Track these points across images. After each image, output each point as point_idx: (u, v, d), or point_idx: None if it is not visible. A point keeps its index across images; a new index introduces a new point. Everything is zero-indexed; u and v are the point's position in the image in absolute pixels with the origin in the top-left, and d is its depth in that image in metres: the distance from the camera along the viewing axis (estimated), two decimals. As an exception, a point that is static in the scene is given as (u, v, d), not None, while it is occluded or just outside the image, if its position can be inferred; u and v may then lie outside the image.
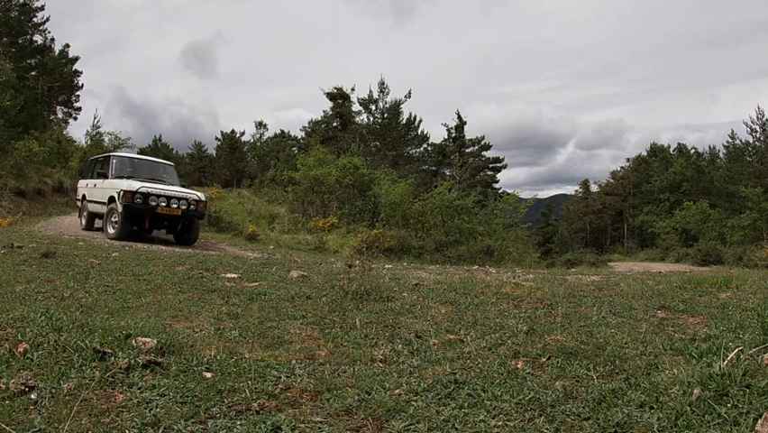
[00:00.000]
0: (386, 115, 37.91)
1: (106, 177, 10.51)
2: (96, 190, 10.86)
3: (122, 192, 9.58)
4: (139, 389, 1.92)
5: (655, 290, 4.43)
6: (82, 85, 33.27)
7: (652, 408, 1.82)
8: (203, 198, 10.48)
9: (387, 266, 6.53)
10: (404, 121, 38.92)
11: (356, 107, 38.33)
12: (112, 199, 9.85)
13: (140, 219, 9.88)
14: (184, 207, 9.92)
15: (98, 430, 1.61)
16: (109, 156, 11.53)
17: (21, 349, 2.18)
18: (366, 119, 38.66)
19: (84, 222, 11.47)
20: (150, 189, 9.79)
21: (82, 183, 11.97)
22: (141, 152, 50.91)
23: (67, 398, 1.80)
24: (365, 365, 2.34)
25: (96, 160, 12.05)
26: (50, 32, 29.63)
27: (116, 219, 9.70)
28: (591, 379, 2.16)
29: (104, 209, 10.20)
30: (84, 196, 11.61)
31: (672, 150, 47.72)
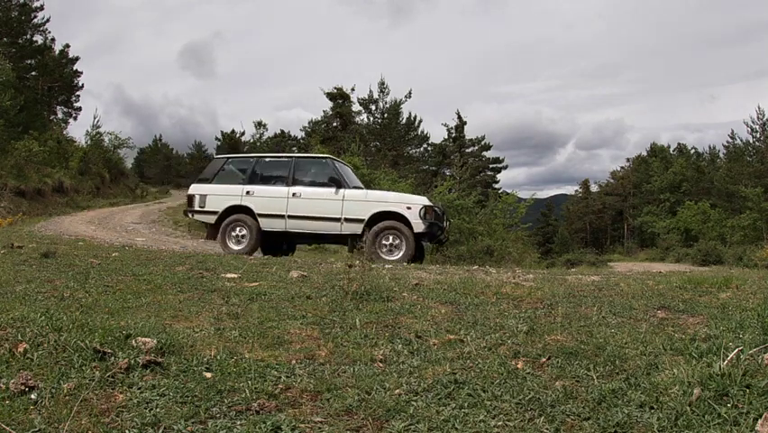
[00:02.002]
0: (386, 115, 37.91)
1: (328, 186, 8.09)
2: (327, 204, 8.00)
3: (423, 209, 7.71)
4: (139, 389, 1.92)
5: (655, 290, 4.42)
6: (82, 85, 33.28)
7: (652, 408, 1.82)
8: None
9: (387, 266, 6.53)
10: (404, 121, 38.92)
11: (356, 107, 38.37)
12: (384, 216, 7.81)
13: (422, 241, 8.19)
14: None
15: (98, 430, 1.61)
16: (328, 158, 8.77)
17: (21, 349, 2.18)
18: (366, 119, 38.69)
19: (245, 244, 8.08)
20: (439, 205, 8.27)
21: (229, 190, 8.40)
22: (142, 151, 51.12)
23: (67, 398, 1.80)
24: (365, 365, 2.34)
25: (281, 160, 8.96)
26: (50, 32, 29.67)
27: (391, 242, 7.66)
28: (591, 379, 2.16)
29: (350, 229, 7.82)
30: (236, 208, 8.25)
31: (671, 150, 47.77)
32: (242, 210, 8.20)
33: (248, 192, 8.25)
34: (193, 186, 8.68)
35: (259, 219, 8.11)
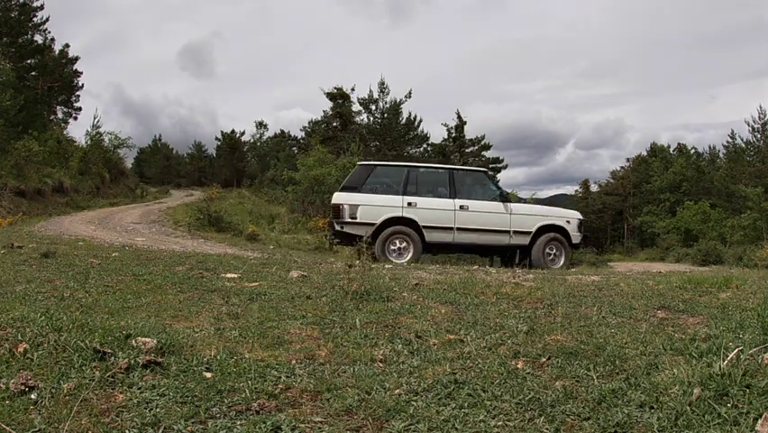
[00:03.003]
0: (386, 115, 37.92)
1: (495, 199, 8.39)
2: (491, 217, 8.26)
3: (579, 222, 8.64)
4: (139, 389, 1.92)
5: (655, 289, 4.42)
6: (82, 85, 33.28)
7: (652, 408, 1.82)
8: None
9: (387, 266, 6.53)
10: (404, 121, 38.92)
11: (356, 107, 38.37)
12: (548, 228, 8.34)
13: None
14: None
15: (98, 430, 1.61)
16: (485, 171, 9.22)
17: (21, 349, 2.18)
18: (366, 119, 38.69)
19: (410, 257, 7.94)
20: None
21: (387, 200, 8.13)
22: (142, 151, 51.11)
23: (67, 398, 1.80)
24: (365, 365, 2.34)
25: (437, 171, 8.98)
26: (49, 32, 29.64)
27: (555, 252, 8.32)
28: (591, 379, 2.16)
29: (518, 240, 8.27)
30: (396, 219, 8.03)
31: (671, 150, 47.74)
32: (403, 222, 8.01)
33: (410, 203, 8.04)
34: (339, 195, 8.04)
35: (424, 231, 8.00)
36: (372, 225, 7.84)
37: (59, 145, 23.94)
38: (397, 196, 8.11)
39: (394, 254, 7.93)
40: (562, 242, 8.37)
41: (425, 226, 8.01)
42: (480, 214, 8.21)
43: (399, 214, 7.98)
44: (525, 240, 8.27)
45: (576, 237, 8.49)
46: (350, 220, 7.93)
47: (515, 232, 8.26)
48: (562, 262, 8.29)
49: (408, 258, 7.83)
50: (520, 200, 24.57)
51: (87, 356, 2.14)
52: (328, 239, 8.75)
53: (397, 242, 7.98)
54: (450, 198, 8.22)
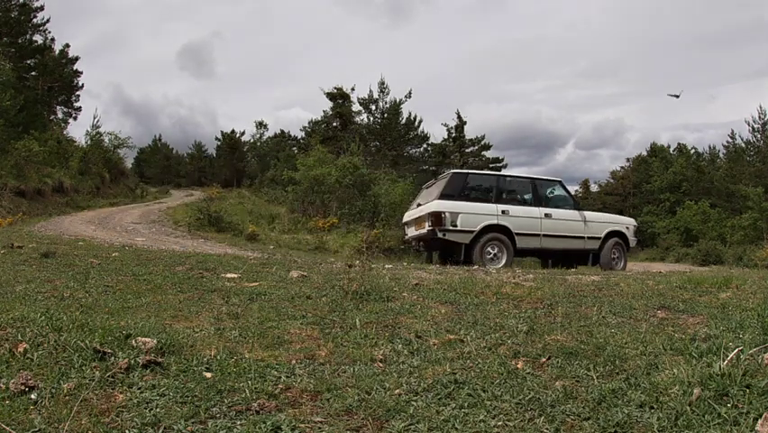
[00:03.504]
0: (386, 115, 37.89)
1: (571, 207, 9.12)
2: (570, 224, 8.92)
3: (635, 228, 9.77)
4: (139, 389, 1.92)
5: (655, 289, 4.43)
6: (82, 85, 33.23)
7: (652, 408, 1.82)
8: None
9: (387, 266, 6.53)
10: (404, 121, 38.89)
11: (356, 107, 38.35)
12: (613, 234, 9.25)
13: None
14: None
15: (98, 430, 1.61)
16: (560, 181, 9.77)
17: (21, 349, 2.18)
18: (366, 119, 38.67)
19: (504, 262, 8.22)
20: None
21: (483, 209, 8.41)
22: (142, 151, 51.10)
23: (67, 398, 1.80)
24: (365, 365, 2.34)
25: (521, 180, 9.39)
26: (50, 32, 29.63)
27: (618, 255, 9.31)
28: (591, 379, 2.16)
29: (591, 245, 9.02)
30: (492, 227, 8.31)
31: (671, 150, 47.71)
32: (497, 229, 8.32)
33: (503, 211, 8.41)
34: (438, 202, 8.18)
35: (516, 238, 8.39)
36: (471, 232, 8.13)
37: (59, 145, 23.92)
38: (491, 204, 8.47)
39: (489, 260, 8.18)
40: (622, 246, 9.31)
41: (516, 233, 8.41)
42: (562, 221, 8.82)
43: (495, 222, 8.31)
44: (596, 245, 9.05)
45: (633, 241, 9.51)
46: (451, 228, 8.09)
47: (588, 237, 8.99)
48: (623, 264, 9.23)
49: (502, 263, 8.14)
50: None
51: (87, 356, 2.14)
52: (415, 247, 9.05)
53: (492, 248, 8.30)
54: (534, 206, 8.77)
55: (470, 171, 9.52)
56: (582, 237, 8.97)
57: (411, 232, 9.08)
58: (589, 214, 9.33)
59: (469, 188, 8.68)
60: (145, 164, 51.95)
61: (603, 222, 9.41)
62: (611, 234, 9.21)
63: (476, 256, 8.03)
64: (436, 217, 8.07)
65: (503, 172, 10.07)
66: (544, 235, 8.66)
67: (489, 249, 8.23)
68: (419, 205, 8.95)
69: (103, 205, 22.45)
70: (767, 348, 2.22)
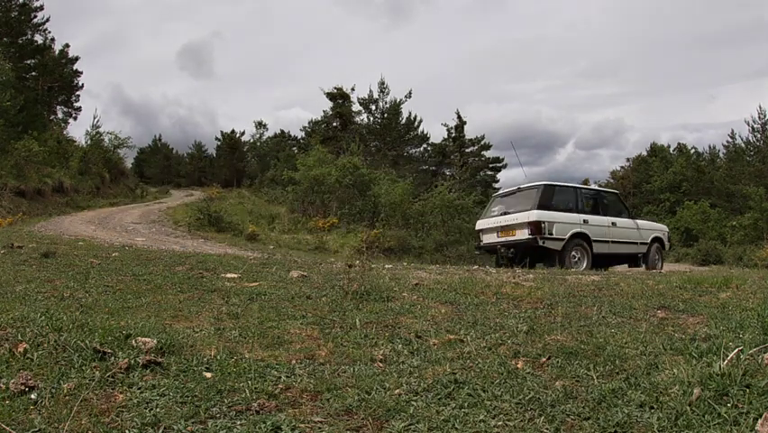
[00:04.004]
0: (386, 115, 37.89)
1: (628, 216, 10.31)
2: (628, 231, 10.04)
3: (668, 233, 11.24)
4: (139, 389, 1.92)
5: (655, 289, 4.43)
6: (82, 85, 33.22)
7: (652, 408, 1.82)
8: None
9: (387, 266, 6.53)
10: (404, 121, 38.89)
11: (356, 107, 38.35)
12: (655, 239, 10.47)
13: None
14: None
15: (98, 430, 1.61)
16: (618, 193, 11.67)
17: (21, 349, 2.18)
18: (366, 119, 38.66)
19: (585, 266, 9.10)
20: None
21: (571, 218, 9.24)
22: (142, 151, 51.08)
23: (67, 398, 1.80)
24: (365, 365, 2.34)
25: (590, 191, 10.82)
26: (49, 32, 29.61)
27: (658, 257, 10.51)
28: (591, 379, 2.16)
29: (641, 250, 10.13)
30: (577, 234, 9.16)
31: (671, 150, 47.71)
32: (580, 236, 9.20)
33: (585, 221, 9.35)
34: (539, 212, 8.92)
35: (594, 244, 9.33)
36: (563, 239, 8.96)
37: (59, 145, 23.92)
38: (575, 214, 9.36)
39: (574, 264, 8.96)
40: (660, 249, 10.59)
41: (593, 240, 9.32)
42: (623, 229, 9.91)
43: (579, 230, 9.20)
44: (645, 249, 10.18)
45: (667, 245, 11.00)
46: (548, 236, 8.90)
47: (640, 243, 10.14)
48: (661, 265, 10.45)
49: (583, 267, 8.98)
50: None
51: (87, 356, 2.14)
52: (503, 253, 9.43)
53: (576, 253, 9.11)
54: (603, 215, 9.78)
55: (555, 184, 10.11)
56: (636, 243, 10.07)
57: (492, 238, 9.70)
58: (639, 222, 10.52)
59: (556, 199, 9.44)
60: (145, 164, 51.92)
61: (649, 229, 10.59)
62: (654, 239, 10.43)
63: (567, 261, 8.80)
64: (536, 226, 8.80)
65: (577, 185, 11.07)
66: (612, 242, 9.61)
67: (573, 254, 9.06)
68: (505, 213, 9.59)
69: (103, 205, 22.45)
70: (767, 348, 2.22)
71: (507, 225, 9.33)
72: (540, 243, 8.78)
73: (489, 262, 10.87)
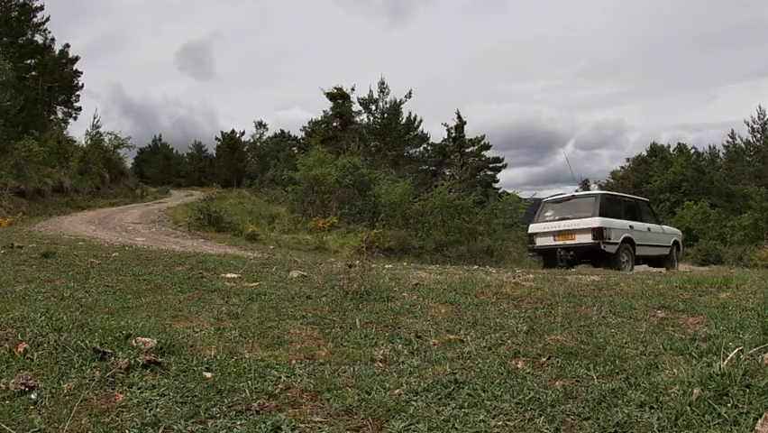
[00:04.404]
0: (386, 115, 37.87)
1: (657, 222, 11.57)
2: (658, 235, 11.26)
3: (682, 237, 12.54)
4: (139, 389, 1.92)
5: (655, 289, 4.42)
6: (82, 85, 33.20)
7: (652, 408, 1.82)
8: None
9: (387, 266, 6.53)
10: (404, 121, 38.88)
11: (356, 107, 38.33)
12: (675, 242, 11.69)
13: None
14: None
15: (98, 430, 1.61)
16: (648, 201, 12.74)
17: (21, 349, 2.18)
18: (366, 119, 38.64)
19: (629, 267, 9.94)
20: None
21: (622, 225, 10.24)
22: (142, 151, 51.08)
23: (67, 398, 1.80)
24: (365, 365, 2.34)
25: (629, 200, 11.74)
26: (49, 32, 29.60)
27: (675, 258, 11.58)
28: (591, 379, 2.16)
29: (665, 252, 11.28)
30: (625, 239, 10.22)
31: (671, 150, 47.68)
32: (627, 240, 10.18)
33: (630, 227, 10.36)
34: (601, 219, 9.81)
35: (636, 247, 10.34)
36: (617, 244, 9.88)
37: (59, 145, 23.90)
38: (623, 220, 10.30)
39: (623, 265, 9.83)
40: (677, 252, 11.78)
41: (638, 244, 10.34)
42: (655, 234, 11.01)
43: (628, 235, 10.15)
44: (666, 251, 11.33)
45: (681, 247, 12.27)
46: (607, 240, 9.86)
47: (665, 246, 11.29)
48: (677, 264, 11.51)
49: (629, 268, 9.72)
50: (520, 200, 24.70)
51: (87, 356, 2.14)
52: (562, 255, 10.08)
53: (624, 255, 10.00)
54: (641, 221, 10.78)
55: (608, 193, 11.57)
56: (663, 246, 11.22)
57: (548, 241, 10.47)
58: (665, 227, 11.73)
59: (609, 207, 10.38)
60: (145, 164, 51.89)
61: (671, 233, 11.83)
62: (674, 242, 11.63)
63: (620, 263, 9.69)
64: (599, 232, 9.73)
65: (623, 194, 12.60)
66: (647, 245, 10.69)
67: (622, 256, 9.96)
68: (563, 219, 10.43)
69: (103, 205, 22.44)
70: (767, 348, 2.22)
71: (566, 230, 10.14)
72: (602, 247, 9.69)
73: (537, 263, 11.58)
